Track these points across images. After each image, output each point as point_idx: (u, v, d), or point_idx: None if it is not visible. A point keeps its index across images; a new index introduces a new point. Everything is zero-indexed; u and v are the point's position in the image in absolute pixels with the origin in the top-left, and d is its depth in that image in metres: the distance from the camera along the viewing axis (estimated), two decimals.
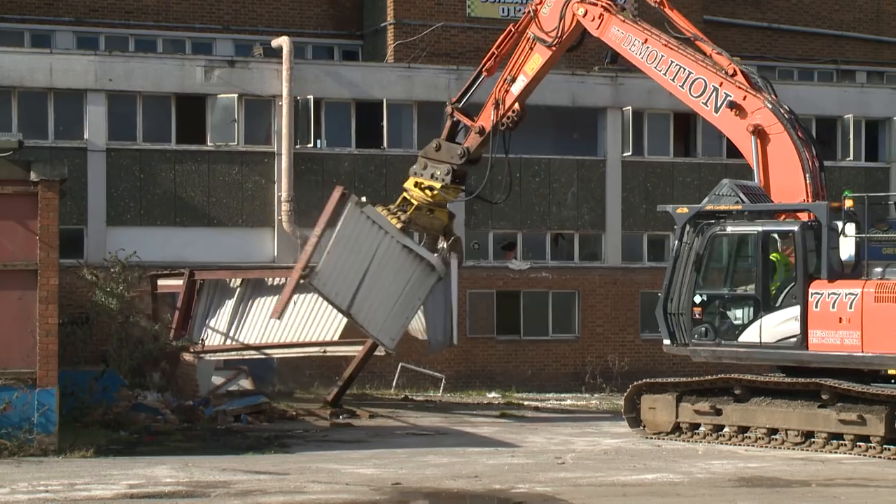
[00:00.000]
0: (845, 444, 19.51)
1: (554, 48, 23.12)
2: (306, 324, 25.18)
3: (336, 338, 24.78)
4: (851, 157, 33.46)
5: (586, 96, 31.66)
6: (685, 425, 21.18)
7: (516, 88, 23.19)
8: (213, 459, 18.28)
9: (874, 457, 19.11)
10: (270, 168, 30.07)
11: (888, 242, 23.86)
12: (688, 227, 20.50)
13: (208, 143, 29.93)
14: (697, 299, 20.41)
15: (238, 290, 26.02)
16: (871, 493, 15.82)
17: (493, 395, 28.97)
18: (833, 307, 19.33)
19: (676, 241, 20.59)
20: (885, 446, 19.13)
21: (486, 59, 24.11)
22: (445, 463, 18.19)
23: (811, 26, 38.26)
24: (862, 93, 34.37)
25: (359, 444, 20.61)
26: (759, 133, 20.38)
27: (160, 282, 26.79)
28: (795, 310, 19.73)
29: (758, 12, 37.14)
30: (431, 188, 24.16)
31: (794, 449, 19.81)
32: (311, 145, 30.37)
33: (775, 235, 20.05)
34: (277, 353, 25.80)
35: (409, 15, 33.83)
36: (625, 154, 32.39)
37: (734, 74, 20.91)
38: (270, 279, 26.01)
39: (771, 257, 20.18)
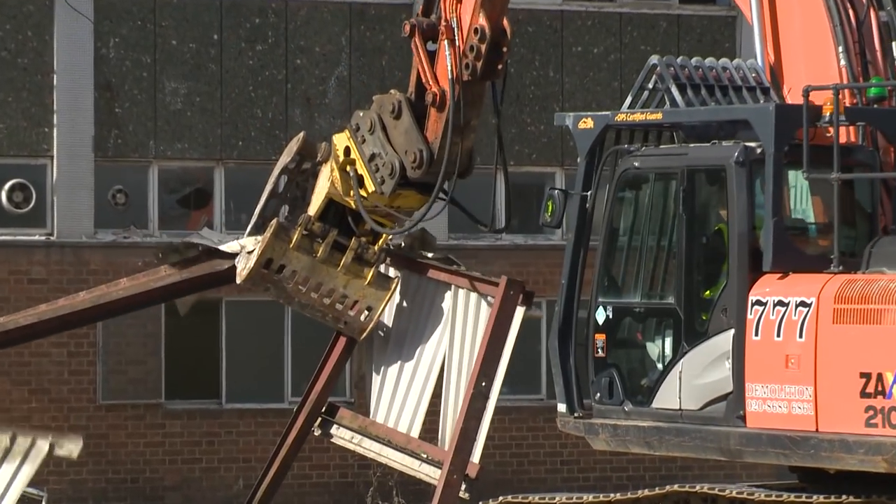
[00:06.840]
0: None
1: None
2: None
3: None
4: None
5: None
6: None
7: None
8: None
9: None
10: None
11: None
12: (605, 158, 15.89)
13: None
14: (600, 316, 15.58)
15: None
16: None
17: None
18: (778, 333, 13.75)
19: (578, 190, 15.70)
20: None
21: None
22: None
23: None
24: None
25: None
26: None
27: None
28: (728, 337, 14.11)
29: None
30: (361, 182, 18.80)
31: None
32: None
33: (704, 175, 15.20)
34: None
35: None
36: None
37: None
38: None
39: (716, 227, 15.04)
